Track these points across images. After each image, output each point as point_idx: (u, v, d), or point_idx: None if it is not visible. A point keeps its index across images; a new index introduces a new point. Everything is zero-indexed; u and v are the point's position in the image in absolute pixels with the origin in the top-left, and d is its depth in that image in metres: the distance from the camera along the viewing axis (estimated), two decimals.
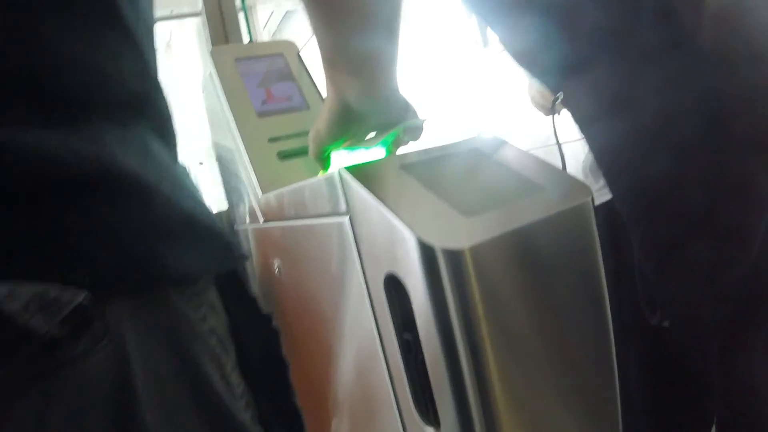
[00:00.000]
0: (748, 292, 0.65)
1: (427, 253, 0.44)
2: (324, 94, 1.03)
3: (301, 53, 1.11)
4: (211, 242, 0.33)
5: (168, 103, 0.37)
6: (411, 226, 0.45)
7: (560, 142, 0.92)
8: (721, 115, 0.63)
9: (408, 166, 0.54)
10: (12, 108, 0.26)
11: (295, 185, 0.66)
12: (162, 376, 0.28)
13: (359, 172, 0.52)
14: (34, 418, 0.23)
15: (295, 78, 1.03)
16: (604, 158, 0.72)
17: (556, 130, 0.89)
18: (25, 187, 0.25)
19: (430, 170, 0.54)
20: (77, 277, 0.24)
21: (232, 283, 0.37)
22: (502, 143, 0.63)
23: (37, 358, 0.22)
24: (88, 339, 0.24)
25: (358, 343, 0.61)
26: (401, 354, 0.53)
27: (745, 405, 0.69)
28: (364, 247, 0.52)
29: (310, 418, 0.85)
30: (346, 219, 0.53)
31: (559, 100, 0.80)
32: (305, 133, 0.94)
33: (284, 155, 0.90)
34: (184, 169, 0.37)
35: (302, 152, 0.91)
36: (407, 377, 0.54)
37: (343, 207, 0.54)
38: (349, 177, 0.51)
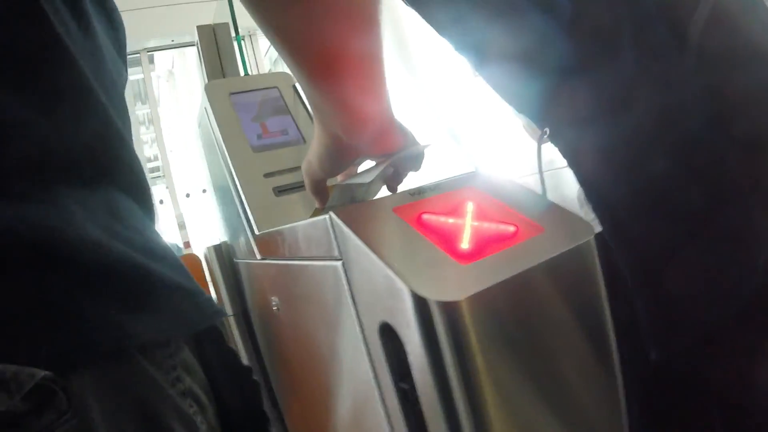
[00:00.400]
0: (753, 294, 0.64)
1: (421, 306, 0.43)
2: None
3: (296, 85, 1.10)
4: (182, 303, 0.32)
5: (137, 158, 0.36)
6: (404, 277, 0.43)
7: (558, 167, 0.90)
8: (720, 115, 0.62)
9: (401, 208, 0.52)
10: None
11: (289, 226, 0.65)
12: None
13: (350, 215, 0.50)
14: None
15: (290, 111, 1.02)
16: (603, 159, 0.70)
17: (541, 164, 0.89)
18: None
19: (424, 211, 0.52)
20: (35, 354, 0.24)
21: (210, 337, 0.36)
22: (500, 179, 0.62)
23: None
24: (51, 413, 0.24)
25: (356, 387, 0.59)
26: (399, 402, 0.51)
27: (750, 408, 0.67)
28: (357, 293, 0.51)
29: None
30: (339, 264, 0.52)
31: (546, 135, 0.79)
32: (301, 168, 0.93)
33: (280, 190, 0.89)
34: (156, 231, 0.35)
35: (298, 187, 0.90)
36: (405, 426, 0.52)
37: (336, 252, 0.52)
38: (340, 222, 0.50)
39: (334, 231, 0.51)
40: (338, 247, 0.51)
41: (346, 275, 0.51)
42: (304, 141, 0.98)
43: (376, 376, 0.53)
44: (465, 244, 0.49)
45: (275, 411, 0.95)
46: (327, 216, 0.51)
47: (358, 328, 0.52)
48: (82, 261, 0.28)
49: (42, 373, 0.23)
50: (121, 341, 0.28)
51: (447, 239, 0.49)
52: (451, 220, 0.52)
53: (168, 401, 0.30)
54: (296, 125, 1.00)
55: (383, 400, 0.54)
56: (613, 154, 0.68)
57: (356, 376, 0.57)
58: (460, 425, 0.46)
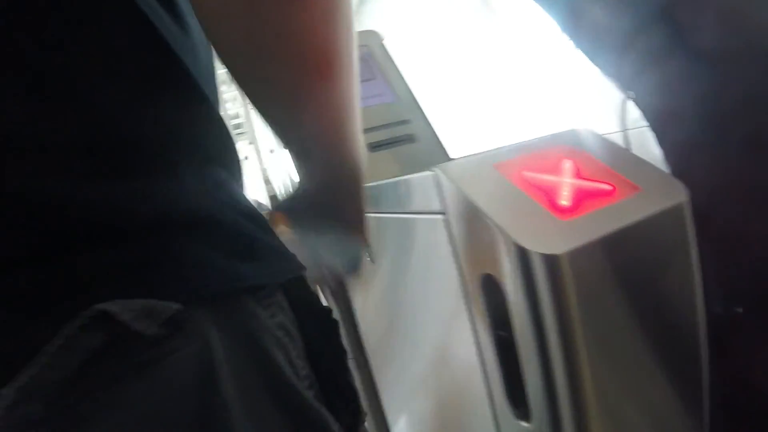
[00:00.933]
0: (754, 293, 0.64)
1: (524, 258, 0.45)
2: (411, 84, 1.05)
3: (385, 43, 1.12)
4: (273, 258, 0.40)
5: (231, 137, 0.43)
6: (507, 230, 0.46)
7: (643, 126, 0.91)
8: (721, 116, 0.63)
9: (502, 164, 0.55)
10: (117, 168, 0.34)
11: (390, 180, 0.68)
12: (238, 361, 0.34)
13: (454, 171, 0.53)
14: (145, 394, 0.30)
15: (381, 69, 1.04)
16: None
17: (627, 128, 0.89)
18: (128, 228, 0.33)
19: (524, 168, 0.55)
20: (172, 293, 0.32)
21: (296, 285, 0.43)
22: (596, 137, 0.63)
23: (145, 352, 0.30)
24: (180, 337, 0.32)
25: (450, 333, 0.63)
26: (496, 350, 0.54)
27: (746, 407, 0.67)
28: (460, 245, 0.54)
29: (399, 399, 0.88)
30: (441, 218, 0.55)
31: (630, 98, 0.80)
32: (394, 124, 0.96)
33: (373, 146, 0.92)
34: (246, 197, 0.43)
35: (390, 143, 0.93)
36: (501, 372, 0.55)
37: (438, 206, 0.55)
38: (444, 177, 0.53)
39: (438, 186, 0.54)
40: (442, 201, 0.54)
41: (448, 228, 0.54)
42: (396, 98, 1.00)
43: (473, 324, 0.56)
44: (564, 200, 0.51)
45: (362, 357, 1.00)
46: (432, 172, 0.54)
47: (457, 278, 0.56)
48: (201, 223, 0.36)
49: (176, 306, 0.31)
50: (232, 284, 0.36)
51: (547, 196, 0.52)
52: (550, 177, 0.54)
53: (267, 330, 0.37)
54: (387, 83, 1.02)
55: (479, 347, 0.57)
56: None
57: (452, 324, 0.61)
58: (554, 373, 0.49)
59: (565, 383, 0.49)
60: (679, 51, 0.64)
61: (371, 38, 1.11)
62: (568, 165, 0.57)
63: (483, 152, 0.59)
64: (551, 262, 0.45)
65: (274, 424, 0.36)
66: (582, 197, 0.53)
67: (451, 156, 0.93)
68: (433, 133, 0.96)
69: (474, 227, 0.50)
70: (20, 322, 0.30)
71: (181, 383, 0.31)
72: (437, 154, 0.93)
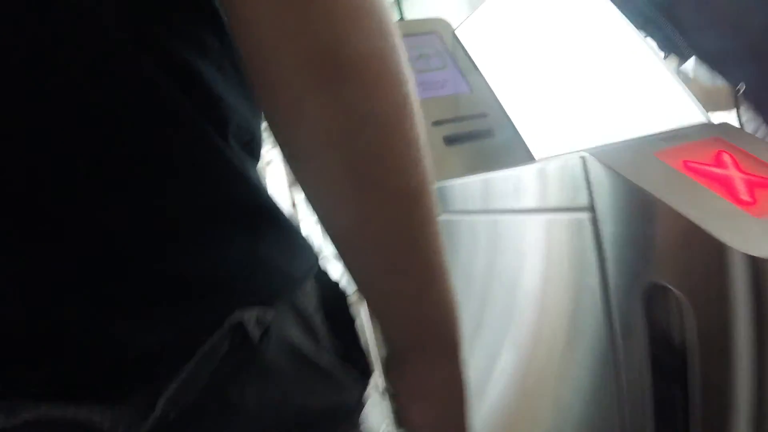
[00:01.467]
0: None
1: (724, 259, 0.36)
2: (486, 75, 0.96)
3: (456, 32, 1.04)
4: (308, 254, 0.44)
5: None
6: (705, 227, 0.37)
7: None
8: None
9: (662, 152, 0.46)
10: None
11: (491, 174, 0.60)
12: (293, 332, 0.40)
13: (610, 158, 0.44)
14: (251, 389, 0.36)
15: (452, 58, 0.96)
16: None
17: (742, 122, 0.85)
18: (229, 232, 0.37)
19: (687, 158, 0.46)
20: (270, 301, 0.37)
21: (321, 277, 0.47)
22: (741, 131, 0.55)
23: (250, 347, 0.36)
24: (270, 334, 0.37)
25: (573, 353, 0.54)
26: (649, 373, 0.45)
27: None
28: (613, 248, 0.45)
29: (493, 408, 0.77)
30: (586, 216, 0.46)
31: (741, 91, 0.76)
32: (471, 117, 0.88)
33: (450, 140, 0.83)
34: None
35: (469, 137, 0.84)
36: (652, 397, 0.46)
37: (583, 201, 0.46)
38: (598, 164, 0.44)
39: (587, 175, 0.45)
40: (590, 194, 0.45)
41: (597, 228, 0.45)
42: (470, 90, 0.92)
43: (613, 341, 0.47)
44: (744, 195, 0.43)
45: None
46: (579, 157, 0.45)
47: (598, 287, 0.47)
48: (268, 223, 0.40)
49: (273, 311, 0.37)
50: (294, 283, 0.41)
51: (727, 189, 0.43)
52: (721, 170, 0.45)
53: (309, 305, 0.42)
54: (460, 73, 0.94)
55: (616, 367, 0.48)
56: None
57: (578, 337, 0.52)
58: (738, 404, 0.40)
59: (750, 417, 0.40)
60: None
61: (441, 26, 1.03)
62: (727, 158, 0.48)
63: (631, 140, 0.51)
64: (761, 266, 0.36)
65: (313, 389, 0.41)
66: (756, 191, 0.44)
67: (536, 156, 0.84)
68: (513, 127, 0.88)
69: (644, 225, 0.42)
70: (164, 334, 0.33)
71: (275, 363, 0.38)
72: (519, 152, 0.84)
